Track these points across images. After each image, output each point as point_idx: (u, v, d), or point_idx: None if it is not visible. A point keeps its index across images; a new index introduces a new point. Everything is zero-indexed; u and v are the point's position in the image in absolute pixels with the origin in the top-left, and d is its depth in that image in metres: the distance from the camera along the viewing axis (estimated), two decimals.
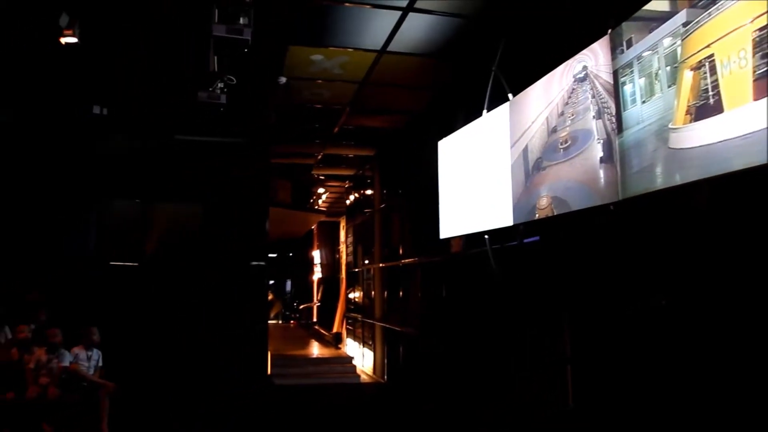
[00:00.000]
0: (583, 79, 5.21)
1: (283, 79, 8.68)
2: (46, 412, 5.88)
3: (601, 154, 4.91)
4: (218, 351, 11.20)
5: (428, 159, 8.97)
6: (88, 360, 6.57)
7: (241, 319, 11.48)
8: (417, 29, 7.05)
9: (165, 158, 11.47)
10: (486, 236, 7.06)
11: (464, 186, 7.73)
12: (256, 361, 11.52)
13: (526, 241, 6.44)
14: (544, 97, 5.87)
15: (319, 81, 9.02)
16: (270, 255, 15.75)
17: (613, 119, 4.72)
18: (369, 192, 14.99)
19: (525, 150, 6.19)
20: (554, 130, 5.65)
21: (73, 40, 6.89)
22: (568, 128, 5.42)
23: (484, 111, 7.16)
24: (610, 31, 4.82)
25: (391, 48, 7.61)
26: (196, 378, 10.18)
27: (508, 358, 7.01)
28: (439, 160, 8.41)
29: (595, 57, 5.04)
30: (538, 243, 6.41)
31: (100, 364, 6.67)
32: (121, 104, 9.33)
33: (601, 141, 4.91)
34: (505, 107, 6.68)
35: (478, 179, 7.31)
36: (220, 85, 6.07)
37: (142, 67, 8.14)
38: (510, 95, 6.60)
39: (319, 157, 14.03)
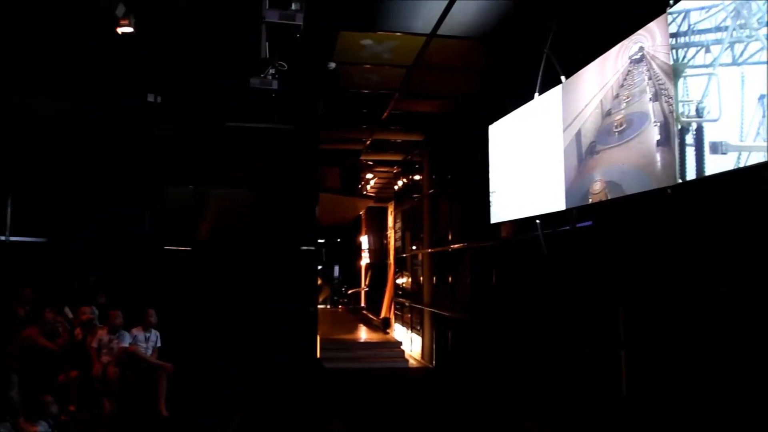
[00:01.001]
0: (639, 61, 5.08)
1: (332, 65, 8.70)
2: (107, 390, 6.11)
3: (657, 137, 4.79)
4: (269, 334, 11.42)
5: (478, 143, 8.89)
6: (147, 341, 6.76)
7: (292, 303, 11.66)
8: (467, 12, 6.96)
9: (216, 145, 11.69)
10: (537, 221, 6.98)
11: (515, 170, 7.65)
12: (306, 345, 11.70)
13: (578, 225, 6.34)
14: (599, 79, 5.74)
15: (369, 66, 9.01)
16: (318, 240, 15.90)
17: (671, 101, 4.59)
18: (417, 177, 14.96)
19: (578, 134, 6.08)
20: (609, 113, 5.53)
21: (129, 29, 7.06)
22: (623, 111, 5.30)
23: (536, 94, 7.05)
24: (668, 9, 4.68)
25: (441, 31, 7.53)
26: (248, 360, 10.41)
27: (559, 344, 6.94)
28: (489, 145, 8.33)
29: (652, 37, 4.90)
30: (591, 228, 6.30)
31: (158, 344, 6.86)
32: (174, 92, 9.52)
33: (658, 124, 4.79)
34: (557, 90, 6.56)
35: (530, 163, 7.22)
36: (272, 71, 6.13)
37: (195, 54, 8.28)
38: (563, 78, 6.48)
39: (368, 142, 14.06)
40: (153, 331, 6.86)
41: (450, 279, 11.53)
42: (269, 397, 8.72)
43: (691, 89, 4.38)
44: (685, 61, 4.42)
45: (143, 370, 6.52)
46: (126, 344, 6.46)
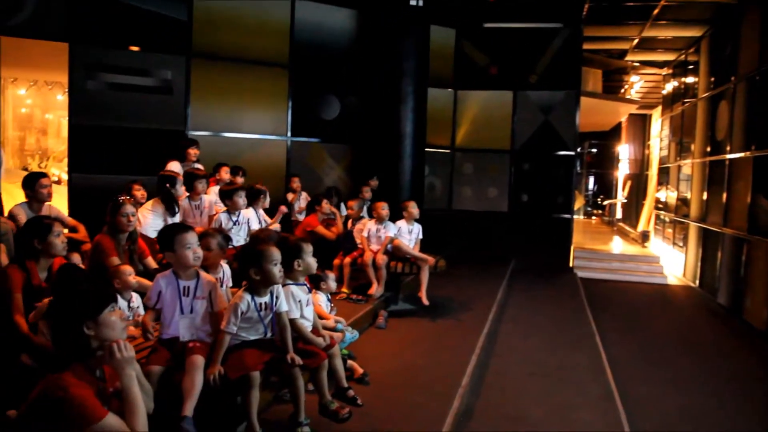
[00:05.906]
0: None
1: None
2: (376, 275, 6.67)
3: None
4: (522, 237, 11.52)
5: None
6: (410, 233, 7.13)
7: (546, 209, 11.56)
8: None
9: (477, 46, 11.66)
10: None
11: None
12: (560, 251, 11.61)
13: None
14: None
15: None
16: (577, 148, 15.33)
17: None
18: (691, 80, 13.46)
19: None
20: None
21: None
22: None
23: None
24: None
25: None
26: (500, 261, 10.62)
27: None
28: None
29: None
30: None
31: (420, 236, 7.20)
32: None
33: None
34: None
35: None
36: None
37: None
38: None
39: (635, 41, 12.91)
40: (416, 224, 7.18)
41: (724, 192, 10.38)
42: (525, 294, 8.83)
43: None
44: None
45: (407, 260, 6.94)
46: (391, 234, 6.88)
